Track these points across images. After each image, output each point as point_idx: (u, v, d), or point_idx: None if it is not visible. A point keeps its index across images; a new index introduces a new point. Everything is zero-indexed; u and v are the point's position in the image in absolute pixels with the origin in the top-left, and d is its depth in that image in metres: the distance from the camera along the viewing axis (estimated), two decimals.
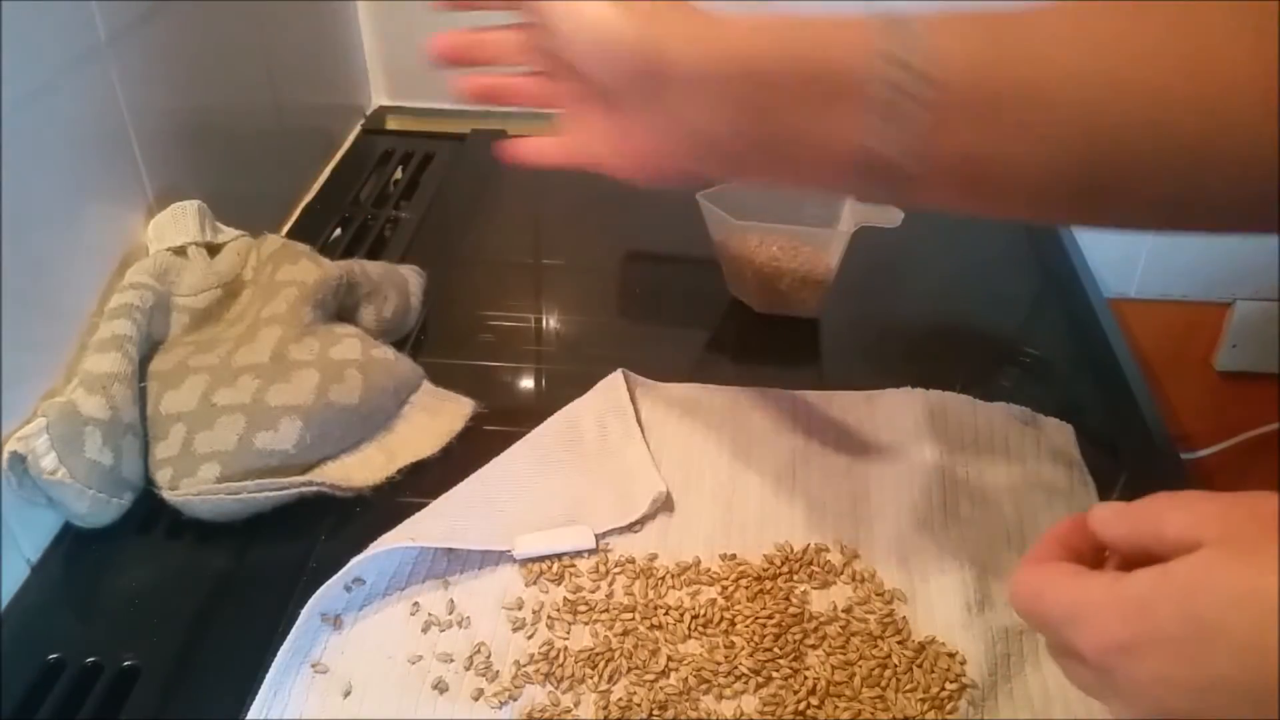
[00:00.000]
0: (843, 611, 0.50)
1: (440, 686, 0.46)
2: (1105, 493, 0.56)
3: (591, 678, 0.47)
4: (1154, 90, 0.38)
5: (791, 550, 0.53)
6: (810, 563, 0.52)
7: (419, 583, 0.51)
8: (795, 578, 0.52)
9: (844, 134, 0.40)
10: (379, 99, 1.01)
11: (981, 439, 0.59)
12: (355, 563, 0.50)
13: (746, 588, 0.51)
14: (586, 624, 0.49)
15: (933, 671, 0.47)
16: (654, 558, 0.53)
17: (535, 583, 0.51)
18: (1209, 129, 0.37)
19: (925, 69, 0.38)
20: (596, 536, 0.53)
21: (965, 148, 0.39)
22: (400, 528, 0.52)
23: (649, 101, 0.42)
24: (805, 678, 0.46)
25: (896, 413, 0.61)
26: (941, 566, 0.52)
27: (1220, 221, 0.41)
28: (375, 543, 0.51)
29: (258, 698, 0.45)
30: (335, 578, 0.49)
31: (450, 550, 0.53)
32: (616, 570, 0.52)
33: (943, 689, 0.46)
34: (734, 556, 0.53)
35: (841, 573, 0.52)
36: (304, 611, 0.48)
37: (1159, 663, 0.31)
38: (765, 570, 0.52)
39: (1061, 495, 0.56)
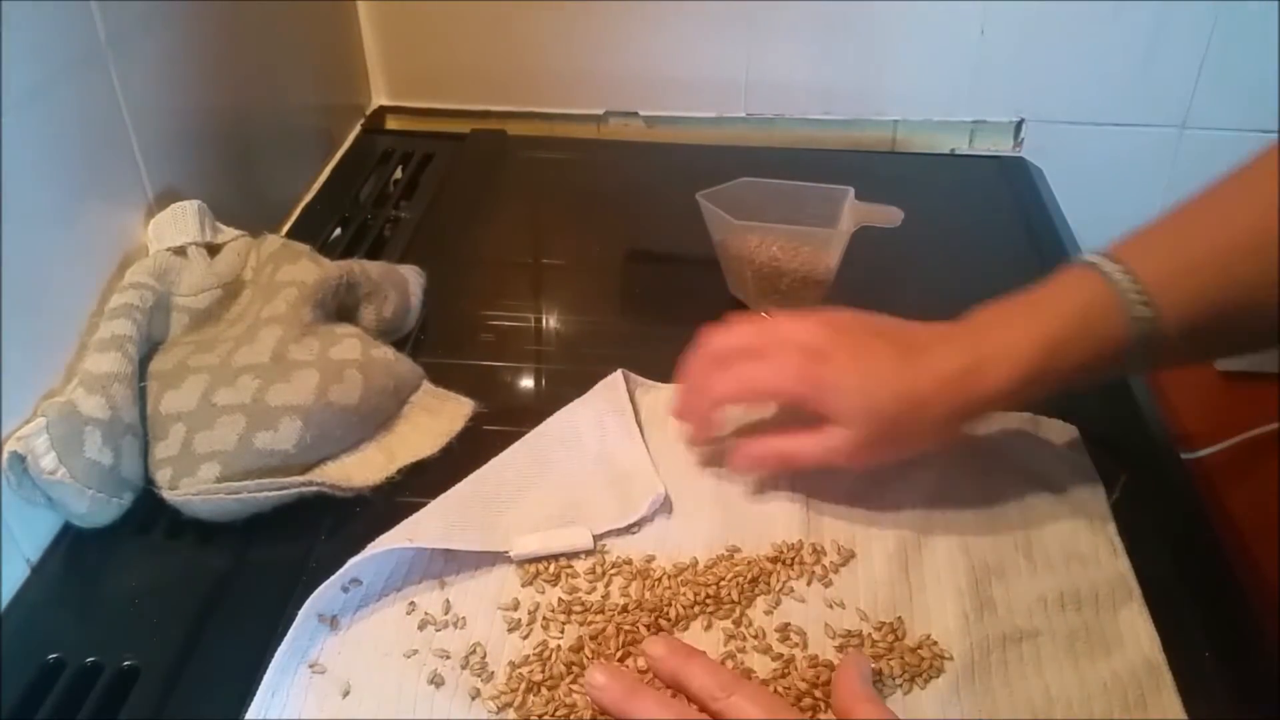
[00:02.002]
0: (838, 609, 0.50)
1: (436, 681, 0.46)
2: (1107, 493, 0.56)
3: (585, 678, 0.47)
4: None
5: (789, 551, 0.53)
6: (808, 563, 0.52)
7: (415, 583, 0.51)
8: (792, 578, 0.52)
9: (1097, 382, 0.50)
10: (379, 99, 1.01)
11: (983, 443, 0.59)
12: (352, 564, 0.50)
13: (743, 588, 0.51)
14: (582, 625, 0.49)
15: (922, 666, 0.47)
16: (651, 559, 0.53)
17: (531, 583, 0.51)
18: None
19: (1166, 321, 0.47)
20: (595, 537, 0.53)
21: (1194, 353, 0.50)
22: (398, 528, 0.52)
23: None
24: (800, 678, 0.46)
25: None
26: (940, 570, 0.52)
27: None
28: (373, 543, 0.51)
29: (256, 698, 0.45)
30: (333, 578, 0.49)
31: (447, 550, 0.53)
32: (613, 571, 0.52)
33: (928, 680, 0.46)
34: (732, 557, 0.53)
35: (838, 573, 0.52)
36: (301, 612, 0.48)
37: None
38: (763, 571, 0.52)
39: (1067, 498, 0.56)
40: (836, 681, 0.45)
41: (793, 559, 0.52)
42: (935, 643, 0.48)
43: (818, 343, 0.51)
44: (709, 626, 0.49)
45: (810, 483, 0.57)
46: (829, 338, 0.51)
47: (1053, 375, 0.49)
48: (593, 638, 0.48)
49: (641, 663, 0.47)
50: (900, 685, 0.47)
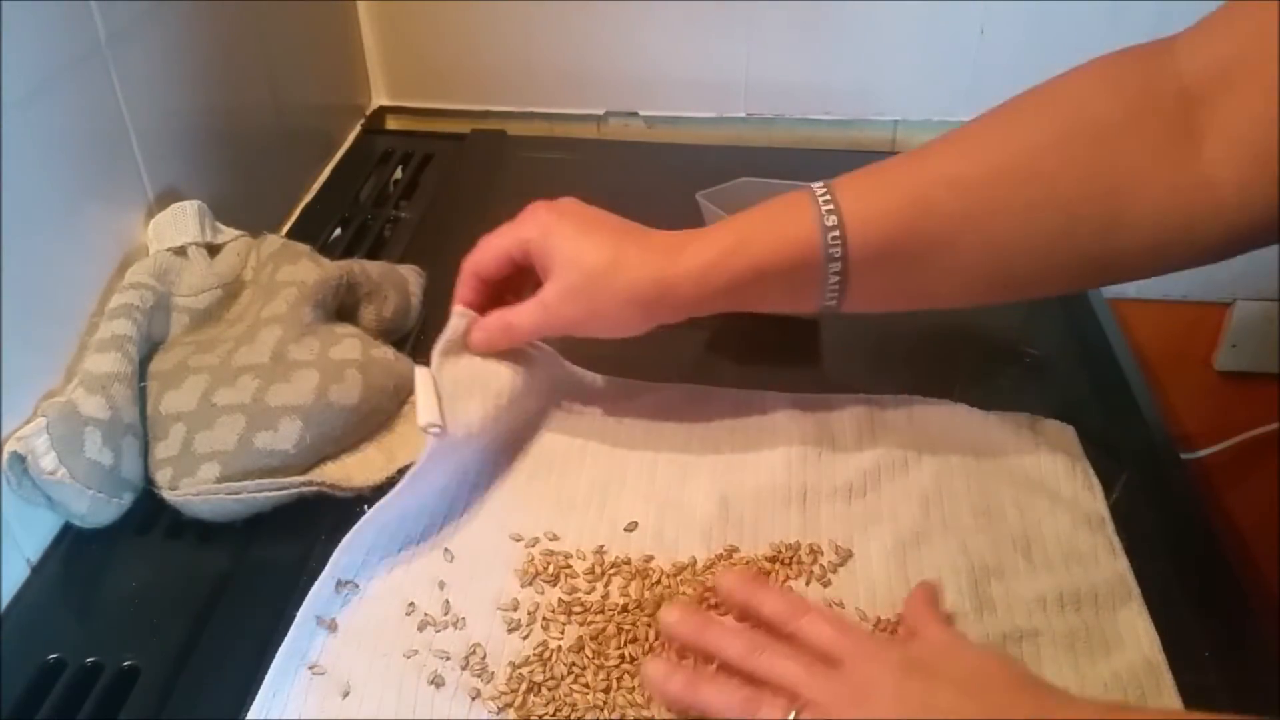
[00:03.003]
0: (837, 609, 0.50)
1: (436, 681, 0.46)
2: (1106, 493, 0.56)
3: (585, 679, 0.47)
4: (1059, 204, 0.48)
5: (787, 551, 0.53)
6: (806, 563, 0.52)
7: (414, 583, 0.51)
8: (790, 578, 0.52)
9: (796, 304, 0.54)
10: (379, 99, 1.01)
11: (982, 444, 0.59)
12: (338, 554, 0.50)
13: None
14: (582, 625, 0.49)
15: None
16: (650, 559, 0.53)
17: (531, 584, 0.51)
18: (1108, 217, 0.48)
19: (856, 240, 0.50)
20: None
21: (890, 287, 0.53)
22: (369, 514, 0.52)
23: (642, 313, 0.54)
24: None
25: (896, 417, 0.61)
26: (939, 570, 0.52)
27: (1133, 274, 0.51)
28: (350, 534, 0.51)
29: (257, 700, 0.45)
30: (324, 574, 0.50)
31: (446, 551, 0.53)
32: (612, 571, 0.52)
33: None
34: (730, 556, 0.53)
35: (836, 573, 0.52)
36: (300, 614, 0.48)
37: None
38: (761, 571, 0.52)
39: (1065, 499, 0.56)
40: (909, 602, 0.48)
41: (790, 558, 0.52)
42: None
43: (562, 205, 0.56)
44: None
45: (810, 484, 0.57)
46: (571, 207, 0.56)
47: (738, 267, 0.52)
48: (593, 638, 0.48)
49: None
50: None
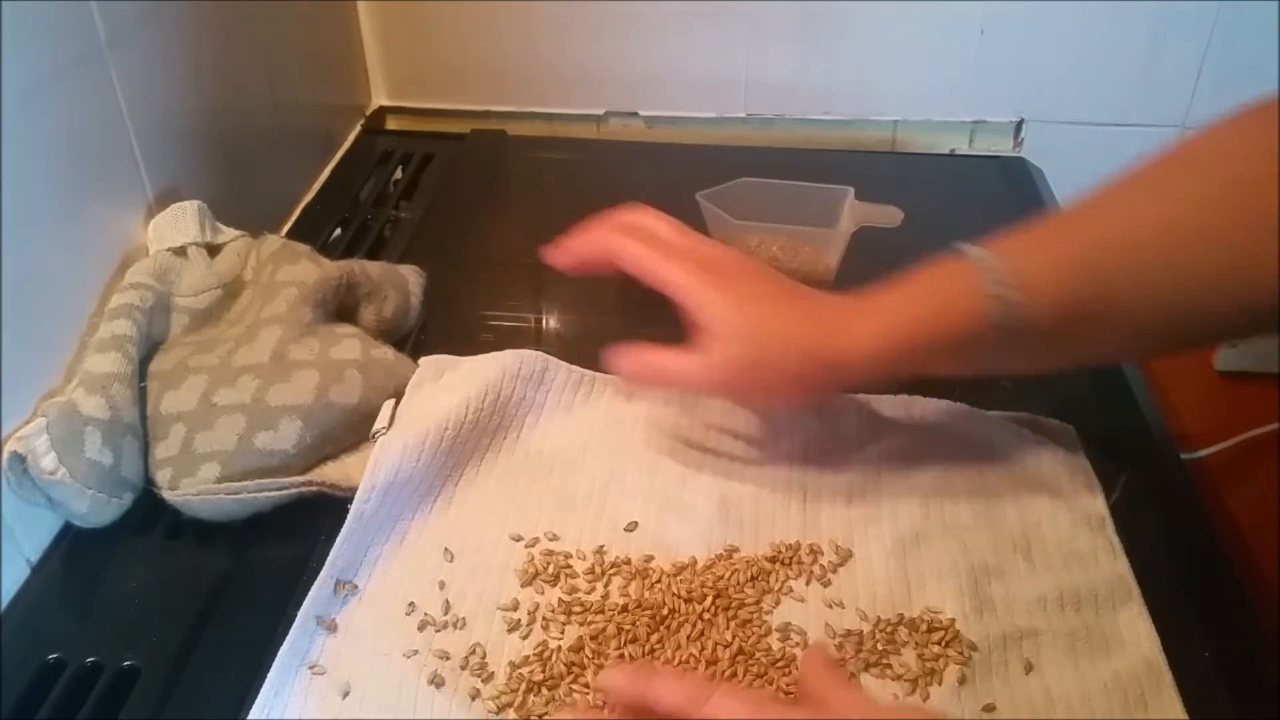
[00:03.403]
0: (837, 609, 0.50)
1: (436, 681, 0.46)
2: (1107, 493, 0.56)
3: (585, 679, 0.47)
4: (1217, 267, 0.47)
5: (787, 551, 0.53)
6: (805, 563, 0.52)
7: (414, 583, 0.51)
8: (790, 578, 0.52)
9: (960, 371, 0.53)
10: (379, 99, 1.01)
11: (982, 444, 0.59)
12: (335, 553, 0.51)
13: (741, 587, 0.51)
14: (582, 625, 0.49)
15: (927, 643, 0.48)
16: (650, 559, 0.53)
17: (531, 584, 0.51)
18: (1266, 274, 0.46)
19: (1027, 308, 0.48)
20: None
21: (1060, 352, 0.51)
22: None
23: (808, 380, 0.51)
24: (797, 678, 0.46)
25: (896, 417, 0.61)
26: (939, 570, 0.52)
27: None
28: (342, 534, 0.52)
29: (258, 700, 0.45)
30: (322, 574, 0.50)
31: (446, 551, 0.53)
32: (612, 571, 0.52)
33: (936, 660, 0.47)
34: (730, 557, 0.53)
35: (836, 573, 0.52)
36: (300, 614, 0.48)
37: None
38: (761, 570, 0.52)
39: (1065, 499, 0.56)
40: (808, 667, 0.46)
41: (790, 559, 0.52)
42: (937, 642, 0.48)
43: (718, 258, 0.53)
44: (710, 624, 0.49)
45: (810, 484, 0.57)
46: (729, 259, 0.54)
47: (909, 344, 0.50)
48: (593, 638, 0.48)
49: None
50: (901, 684, 0.47)
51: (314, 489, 0.55)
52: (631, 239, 0.54)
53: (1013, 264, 0.49)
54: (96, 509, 0.52)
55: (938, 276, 0.51)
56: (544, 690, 0.46)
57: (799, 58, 0.94)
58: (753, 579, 0.51)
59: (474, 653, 0.48)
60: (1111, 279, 0.48)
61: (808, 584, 0.52)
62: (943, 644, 0.48)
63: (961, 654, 0.47)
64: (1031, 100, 0.95)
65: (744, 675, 0.47)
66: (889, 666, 0.47)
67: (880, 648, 0.48)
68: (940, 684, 0.47)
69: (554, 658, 0.48)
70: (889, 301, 0.51)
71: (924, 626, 0.49)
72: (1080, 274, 0.49)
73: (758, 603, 0.50)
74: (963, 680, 0.47)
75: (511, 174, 0.91)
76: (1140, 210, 0.49)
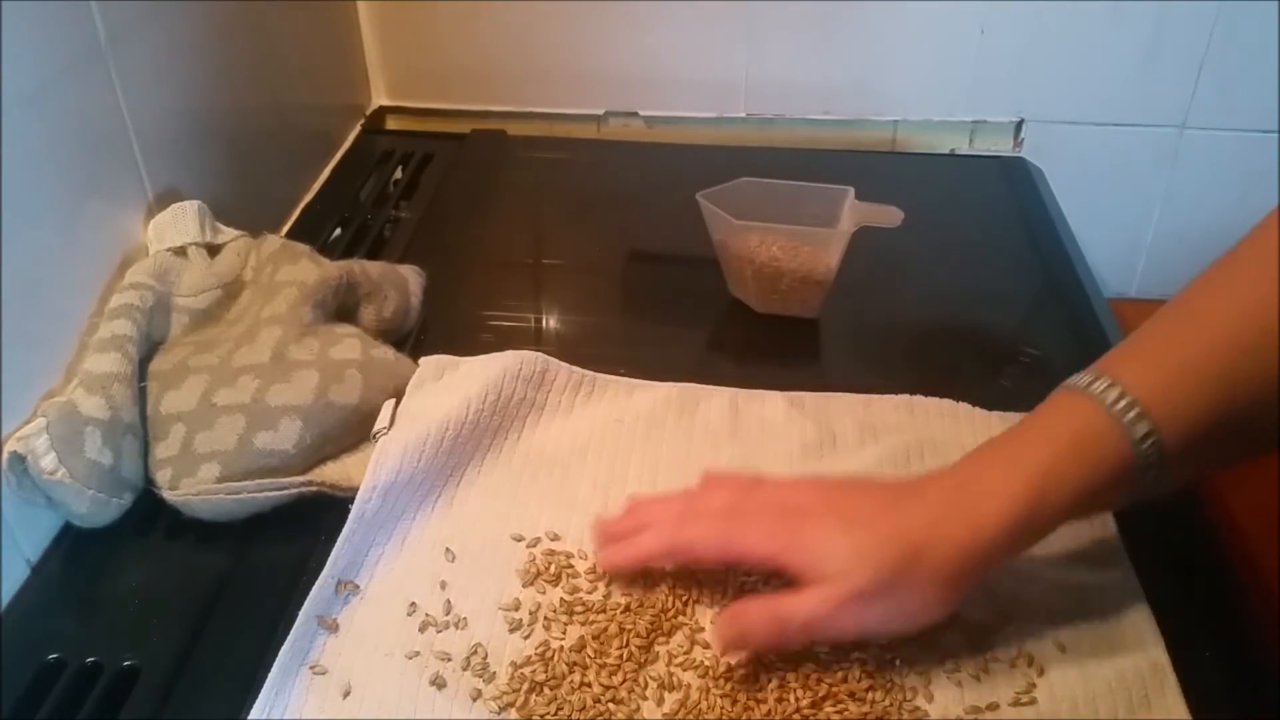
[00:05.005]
0: None
1: (438, 682, 0.46)
2: None
3: (587, 678, 0.47)
4: None
5: None
6: None
7: (415, 584, 0.51)
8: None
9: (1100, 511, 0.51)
10: (379, 99, 1.01)
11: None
12: (336, 554, 0.50)
13: (741, 586, 0.51)
14: (584, 625, 0.49)
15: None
16: None
17: (533, 584, 0.51)
18: None
19: (1167, 446, 0.44)
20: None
21: (1200, 466, 0.48)
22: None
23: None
24: (799, 676, 0.46)
25: (896, 417, 0.61)
26: None
27: None
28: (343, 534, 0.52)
29: (259, 700, 0.45)
30: (323, 574, 0.50)
31: (447, 551, 0.53)
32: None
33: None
34: None
35: None
36: (300, 614, 0.48)
37: None
38: (760, 570, 0.52)
39: None
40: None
41: None
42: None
43: (796, 500, 0.48)
44: (713, 621, 0.49)
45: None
46: (807, 493, 0.48)
47: (1049, 511, 0.45)
48: (595, 637, 0.48)
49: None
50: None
51: (314, 489, 0.55)
52: (691, 527, 0.49)
53: (1145, 396, 0.45)
54: (96, 509, 0.52)
55: (1060, 427, 0.46)
56: (546, 690, 0.46)
57: (799, 58, 0.94)
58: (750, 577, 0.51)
59: (475, 653, 0.48)
60: (1244, 388, 0.45)
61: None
62: (944, 643, 0.48)
63: (964, 652, 0.47)
64: (1031, 100, 0.95)
65: (744, 675, 0.47)
66: (891, 664, 0.47)
67: (882, 646, 0.48)
68: (942, 683, 0.46)
69: (556, 657, 0.48)
70: (1011, 470, 0.45)
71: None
72: (1216, 391, 0.45)
73: None
74: (965, 679, 0.46)
75: (511, 174, 0.91)
76: (1257, 311, 0.45)
